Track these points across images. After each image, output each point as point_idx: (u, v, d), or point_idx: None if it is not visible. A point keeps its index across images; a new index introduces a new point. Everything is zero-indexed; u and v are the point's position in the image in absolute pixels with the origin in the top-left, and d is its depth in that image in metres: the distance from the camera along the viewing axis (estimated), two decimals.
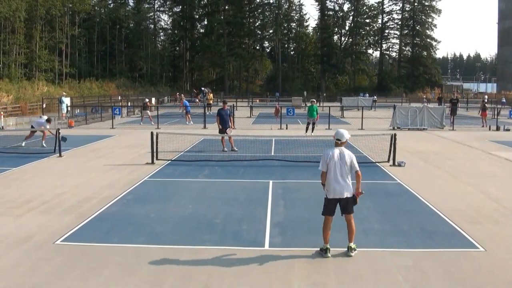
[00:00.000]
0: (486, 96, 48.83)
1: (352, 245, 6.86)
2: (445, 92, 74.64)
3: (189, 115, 30.81)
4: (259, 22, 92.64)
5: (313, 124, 23.51)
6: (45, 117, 18.97)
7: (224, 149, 17.22)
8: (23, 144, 18.33)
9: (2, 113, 30.36)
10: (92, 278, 6.01)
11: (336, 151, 6.87)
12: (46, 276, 6.10)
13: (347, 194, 6.81)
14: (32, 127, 18.83)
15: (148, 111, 30.95)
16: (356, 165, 6.87)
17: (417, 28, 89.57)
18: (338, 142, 6.97)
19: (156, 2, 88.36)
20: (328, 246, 6.81)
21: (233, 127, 18.26)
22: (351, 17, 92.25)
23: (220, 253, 6.93)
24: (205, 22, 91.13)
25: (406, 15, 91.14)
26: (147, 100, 34.21)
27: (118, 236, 7.72)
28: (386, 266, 6.47)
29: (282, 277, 6.11)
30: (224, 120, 17.40)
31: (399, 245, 7.30)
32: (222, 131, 17.39)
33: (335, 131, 7.14)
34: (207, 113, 31.78)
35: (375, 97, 57.70)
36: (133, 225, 8.32)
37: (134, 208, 9.48)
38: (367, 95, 63.53)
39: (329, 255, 6.76)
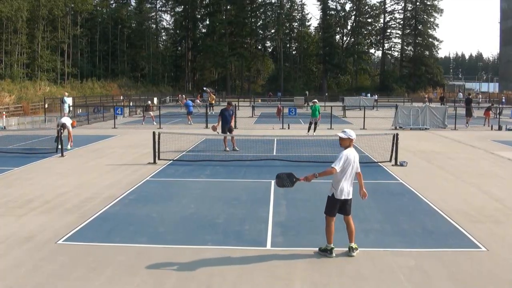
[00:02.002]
0: (480, 96, 48.83)
1: (353, 245, 6.85)
2: (447, 92, 74.48)
3: (189, 116, 30.93)
4: (261, 21, 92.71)
5: (315, 124, 23.51)
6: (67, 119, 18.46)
7: (226, 149, 17.25)
8: (68, 147, 17.60)
9: (4, 113, 30.46)
10: (94, 278, 6.02)
11: (351, 153, 6.78)
12: (48, 276, 6.10)
13: (351, 196, 6.85)
14: (57, 125, 18.00)
15: (151, 112, 31.04)
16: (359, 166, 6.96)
17: (419, 27, 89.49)
18: (352, 142, 6.82)
19: (158, 2, 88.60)
20: (333, 246, 6.81)
21: (233, 126, 18.19)
22: (353, 17, 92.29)
23: (222, 253, 6.93)
24: (207, 22, 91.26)
25: (408, 14, 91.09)
26: (149, 102, 34.37)
27: (120, 236, 7.73)
28: (388, 266, 6.47)
29: (283, 277, 6.11)
30: (226, 120, 17.47)
31: (401, 245, 7.29)
32: (224, 131, 17.45)
33: (348, 131, 6.82)
34: (209, 113, 31.86)
35: (375, 96, 57.57)
36: (135, 225, 8.33)
37: (136, 208, 9.48)
38: (369, 95, 63.47)
39: (334, 254, 6.76)
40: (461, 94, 64.48)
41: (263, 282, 5.94)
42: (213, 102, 43.90)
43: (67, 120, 17.63)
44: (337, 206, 6.82)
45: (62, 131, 16.49)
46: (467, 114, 29.18)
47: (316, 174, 6.68)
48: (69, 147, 17.52)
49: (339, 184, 6.74)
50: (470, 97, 36.67)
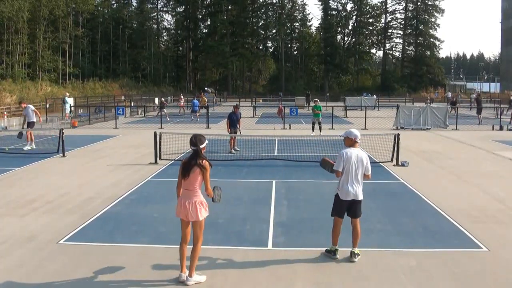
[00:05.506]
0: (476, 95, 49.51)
1: (356, 250, 6.68)
2: (448, 92, 74.38)
3: (195, 114, 32.76)
4: (262, 22, 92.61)
5: (319, 123, 23.47)
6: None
7: (231, 151, 17.24)
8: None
9: (5, 113, 30.48)
10: (95, 278, 6.02)
11: (354, 152, 6.64)
12: (50, 275, 6.11)
13: (359, 198, 6.66)
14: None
15: (165, 109, 32.77)
16: (370, 169, 6.75)
17: (420, 27, 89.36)
18: (357, 142, 6.75)
19: (159, 2, 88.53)
20: (337, 248, 6.75)
21: (239, 131, 18.20)
22: (354, 17, 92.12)
23: (223, 253, 6.93)
24: (208, 22, 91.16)
25: (409, 14, 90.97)
26: (163, 99, 35.36)
27: (121, 236, 7.74)
28: (390, 266, 6.46)
29: (285, 277, 6.11)
30: (233, 124, 17.67)
31: (402, 245, 7.28)
32: (231, 133, 17.56)
33: (348, 131, 6.83)
34: (199, 115, 32.82)
35: (374, 96, 57.49)
36: (137, 225, 8.34)
37: (138, 208, 9.50)
38: (370, 94, 63.38)
39: (338, 256, 6.71)
40: (449, 93, 64.85)
41: (264, 282, 5.94)
42: (205, 104, 44.20)
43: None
44: (343, 207, 6.69)
45: (62, 131, 16.52)
46: (479, 112, 30.39)
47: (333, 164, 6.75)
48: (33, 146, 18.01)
49: (341, 184, 6.66)
50: (479, 97, 37.96)
